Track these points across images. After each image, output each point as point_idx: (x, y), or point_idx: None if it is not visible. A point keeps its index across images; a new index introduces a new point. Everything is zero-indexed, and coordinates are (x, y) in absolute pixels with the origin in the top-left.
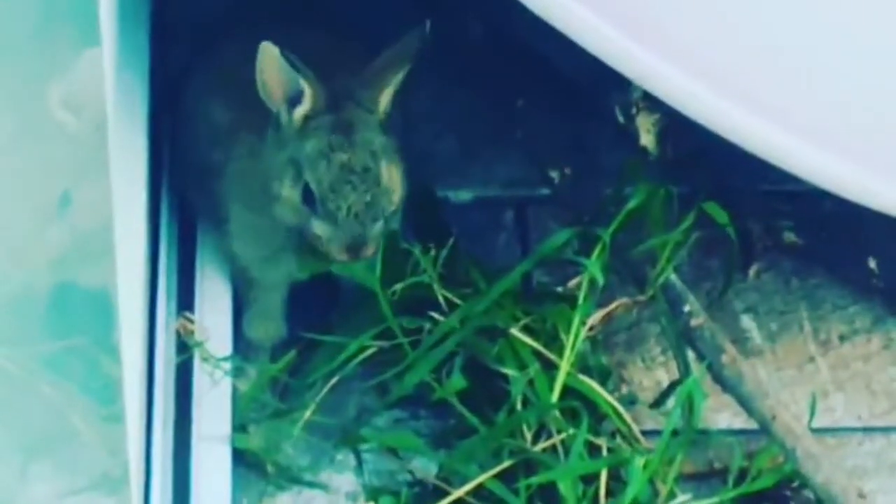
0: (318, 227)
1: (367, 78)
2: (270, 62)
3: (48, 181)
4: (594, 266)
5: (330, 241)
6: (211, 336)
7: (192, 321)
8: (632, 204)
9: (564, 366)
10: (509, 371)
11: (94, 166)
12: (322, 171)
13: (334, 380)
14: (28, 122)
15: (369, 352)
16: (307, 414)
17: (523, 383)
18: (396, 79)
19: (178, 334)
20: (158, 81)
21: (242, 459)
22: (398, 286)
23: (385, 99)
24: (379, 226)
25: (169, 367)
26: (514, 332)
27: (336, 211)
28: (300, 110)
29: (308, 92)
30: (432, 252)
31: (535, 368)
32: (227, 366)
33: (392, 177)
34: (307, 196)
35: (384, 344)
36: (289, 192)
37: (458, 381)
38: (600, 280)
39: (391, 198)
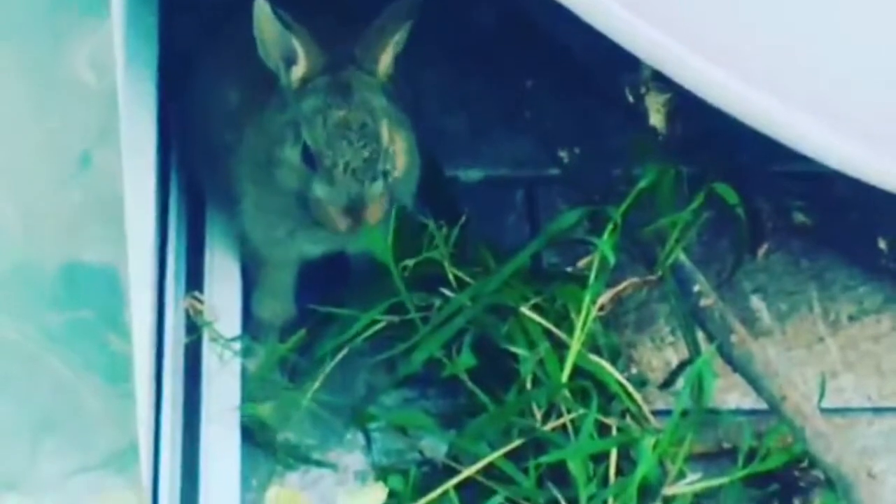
0: (318, 189)
1: (366, 39)
2: (265, 20)
3: (69, 141)
4: (605, 245)
5: (329, 202)
6: (220, 316)
7: (201, 301)
8: (643, 184)
9: (575, 345)
10: (519, 350)
11: (114, 128)
12: (318, 128)
13: (343, 352)
14: (52, 80)
15: (379, 325)
16: (316, 385)
17: (533, 362)
18: (396, 39)
19: (188, 314)
20: (167, 62)
21: (251, 438)
22: (410, 262)
23: (385, 60)
24: (378, 186)
25: (178, 345)
26: (525, 311)
27: (333, 168)
28: (297, 71)
29: (301, 51)
30: (444, 229)
31: (545, 348)
32: (237, 346)
33: (394, 140)
34: (307, 156)
35: (394, 319)
36: (289, 153)
37: (468, 358)
38: (611, 259)
39: (392, 159)
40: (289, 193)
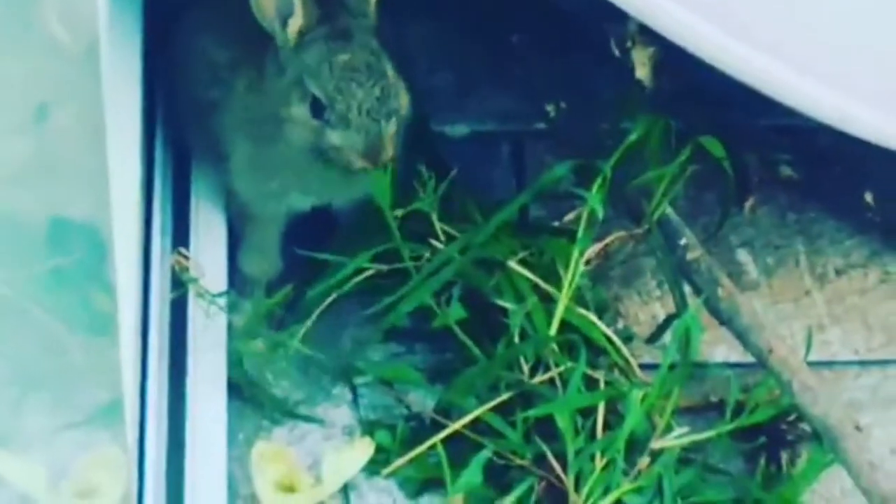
0: (334, 137)
1: None
2: None
3: (28, 91)
4: (594, 199)
5: (348, 146)
6: (206, 272)
7: (186, 257)
8: (633, 136)
9: (563, 299)
10: (507, 304)
11: (78, 85)
12: (326, 76)
13: (332, 297)
14: (19, 30)
15: (368, 273)
16: (304, 329)
17: (522, 316)
18: None
19: (173, 270)
20: (152, 19)
21: (238, 393)
22: (399, 211)
23: (372, 5)
24: (393, 124)
25: (164, 302)
26: (512, 265)
27: (347, 112)
28: (294, 24)
29: (297, 2)
30: (433, 181)
31: (532, 301)
32: (223, 301)
33: (397, 78)
34: (316, 108)
35: (383, 267)
36: (297, 110)
37: (457, 310)
38: (600, 213)
39: (399, 98)
40: (300, 150)
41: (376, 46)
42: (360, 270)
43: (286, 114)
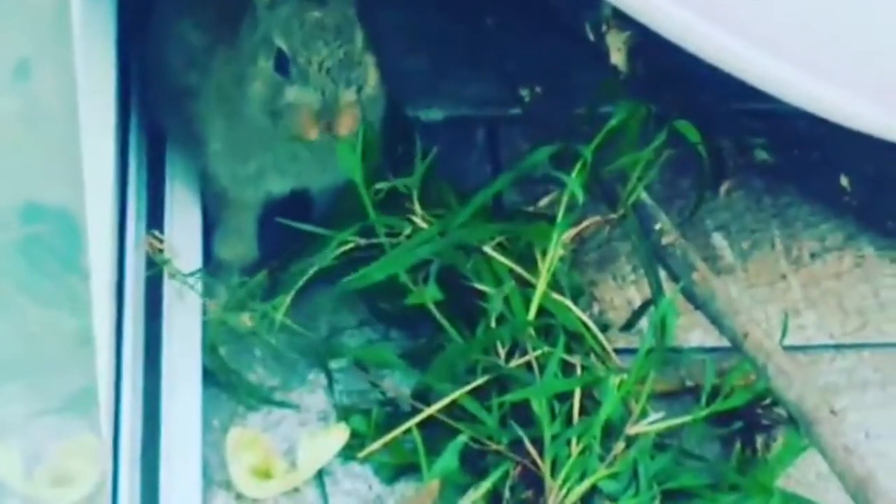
0: (290, 93)
1: None
2: None
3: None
4: (575, 183)
5: (302, 104)
6: (180, 256)
7: (161, 240)
8: (613, 122)
9: (542, 283)
10: (485, 288)
11: (55, 40)
12: (294, 30)
13: (313, 270)
14: None
15: (346, 247)
16: (284, 305)
17: (500, 300)
18: None
19: (147, 256)
20: (126, 4)
21: (213, 379)
22: (380, 185)
23: None
24: (352, 93)
25: (138, 287)
26: (488, 249)
27: (307, 66)
28: None
29: None
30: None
31: (509, 286)
32: (198, 284)
33: (367, 56)
34: (280, 62)
35: (360, 240)
36: (262, 65)
37: (433, 289)
38: (580, 197)
39: (365, 73)
40: (259, 114)
41: (351, 14)
42: (338, 246)
43: (251, 71)
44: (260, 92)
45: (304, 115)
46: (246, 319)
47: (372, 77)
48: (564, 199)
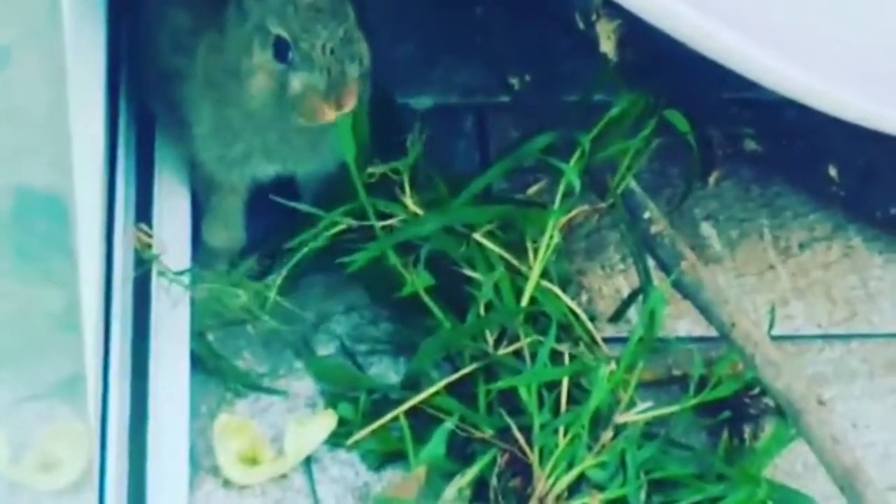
0: (297, 80)
1: None
2: None
3: None
4: (572, 172)
5: (310, 88)
6: (169, 248)
7: (149, 234)
8: (614, 112)
9: (535, 270)
10: (477, 274)
11: (44, 23)
12: (290, 16)
13: (304, 251)
14: None
15: (338, 228)
16: (276, 287)
17: (491, 286)
18: None
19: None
20: None
21: (201, 365)
22: (374, 169)
23: None
24: (356, 67)
25: (127, 275)
26: (478, 237)
27: (311, 51)
28: None
29: None
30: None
31: (501, 273)
32: (185, 280)
33: (359, 28)
34: (280, 50)
35: (353, 223)
36: (260, 56)
37: (424, 276)
38: (577, 186)
39: (362, 43)
40: (265, 107)
41: None
42: (329, 227)
43: (249, 65)
44: (265, 85)
45: (315, 100)
46: (241, 295)
47: (366, 52)
48: (561, 187)
